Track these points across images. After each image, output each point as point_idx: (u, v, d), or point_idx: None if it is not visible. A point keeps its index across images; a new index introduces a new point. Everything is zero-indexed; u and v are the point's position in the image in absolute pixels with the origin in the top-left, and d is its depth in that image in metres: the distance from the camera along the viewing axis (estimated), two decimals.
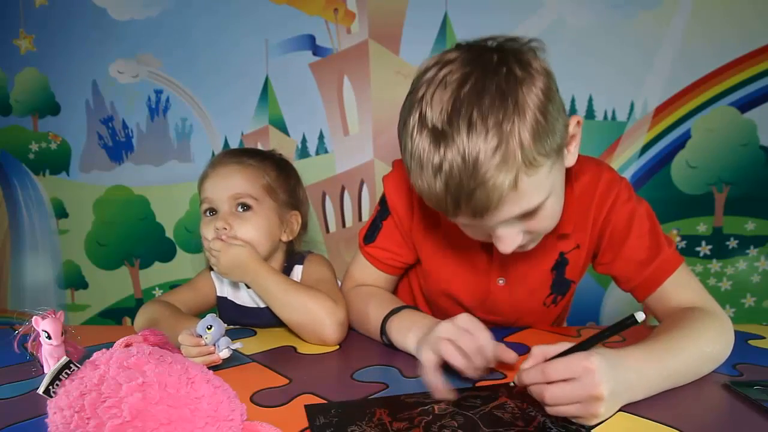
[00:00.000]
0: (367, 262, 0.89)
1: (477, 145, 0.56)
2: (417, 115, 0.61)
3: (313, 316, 0.79)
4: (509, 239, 0.66)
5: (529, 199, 0.61)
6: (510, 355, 0.65)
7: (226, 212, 0.88)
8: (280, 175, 0.95)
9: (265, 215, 0.90)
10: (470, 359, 0.61)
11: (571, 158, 0.69)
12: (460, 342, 0.61)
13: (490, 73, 0.58)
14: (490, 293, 0.84)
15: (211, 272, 0.97)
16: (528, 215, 0.64)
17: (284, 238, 0.95)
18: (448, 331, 0.63)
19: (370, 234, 0.89)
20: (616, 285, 0.81)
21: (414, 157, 0.61)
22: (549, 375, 0.54)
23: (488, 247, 0.78)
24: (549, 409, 0.55)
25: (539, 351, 0.58)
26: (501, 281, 0.83)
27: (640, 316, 0.54)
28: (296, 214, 0.96)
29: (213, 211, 0.90)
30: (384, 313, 0.77)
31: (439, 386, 0.59)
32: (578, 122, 0.68)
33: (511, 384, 0.58)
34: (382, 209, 0.88)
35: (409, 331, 0.73)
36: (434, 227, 0.83)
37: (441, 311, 0.92)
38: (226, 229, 0.87)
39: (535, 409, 0.57)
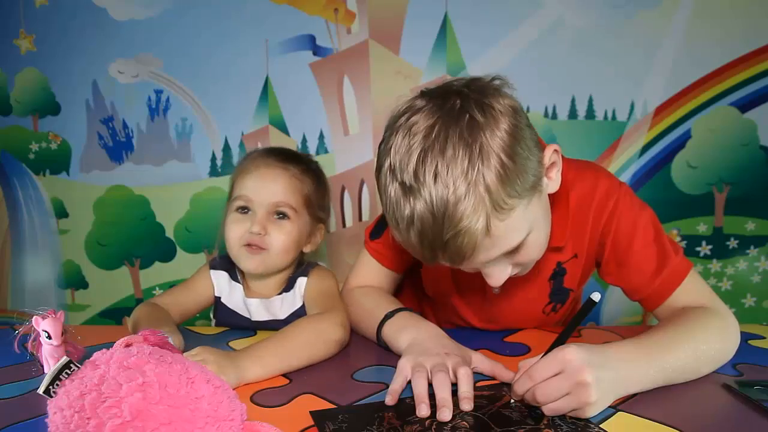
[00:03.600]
0: (372, 259, 0.89)
1: (444, 197, 0.56)
2: (387, 165, 0.61)
3: (324, 347, 0.76)
4: (496, 276, 0.67)
5: (505, 241, 0.61)
6: (505, 375, 0.65)
7: (263, 216, 0.88)
8: (318, 188, 0.95)
9: (299, 226, 0.90)
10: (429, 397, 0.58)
11: (553, 185, 0.69)
12: (436, 388, 0.58)
13: (453, 123, 0.58)
14: (486, 302, 0.84)
15: (211, 271, 0.96)
16: (511, 252, 0.64)
17: (306, 249, 0.95)
18: (436, 365, 0.62)
19: (377, 230, 0.89)
20: (625, 295, 0.80)
21: (388, 210, 0.63)
22: (535, 377, 0.55)
23: None
24: (546, 409, 0.55)
25: (524, 363, 0.59)
26: (496, 290, 0.82)
27: (596, 296, 0.55)
28: (322, 228, 0.96)
29: (246, 209, 0.89)
30: (380, 316, 0.78)
31: (395, 396, 0.59)
32: (555, 150, 0.67)
33: (512, 403, 0.58)
34: None
35: (401, 332, 0.73)
36: None
37: (445, 312, 0.92)
38: (261, 234, 0.86)
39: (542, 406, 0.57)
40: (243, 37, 1.42)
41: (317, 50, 1.42)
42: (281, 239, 0.88)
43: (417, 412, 0.56)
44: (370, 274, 0.90)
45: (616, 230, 0.76)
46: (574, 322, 0.59)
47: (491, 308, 0.85)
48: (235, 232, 0.88)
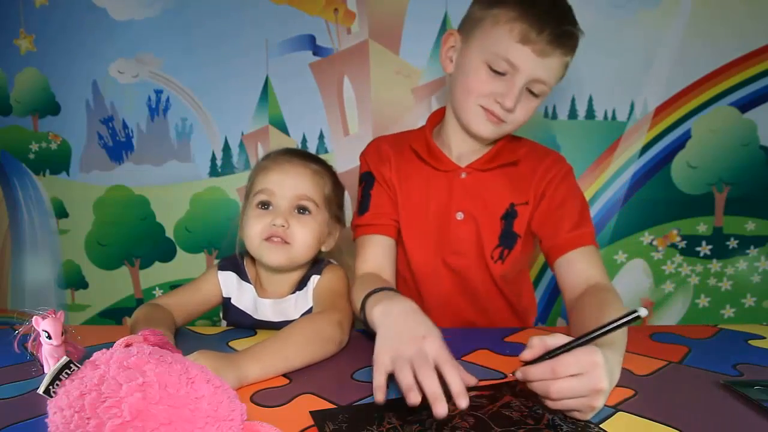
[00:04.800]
0: (366, 237, 0.95)
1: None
2: None
3: (323, 347, 0.76)
4: (516, 97, 0.84)
5: (552, 75, 0.85)
6: (470, 380, 0.62)
7: (285, 210, 0.88)
8: (337, 188, 0.97)
9: (319, 222, 0.91)
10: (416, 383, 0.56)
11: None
12: (423, 382, 0.55)
13: None
14: (451, 228, 0.95)
15: (219, 272, 0.96)
16: (531, 93, 0.86)
17: (324, 248, 0.95)
18: (417, 356, 0.58)
19: (362, 208, 0.98)
20: (540, 247, 0.94)
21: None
22: (558, 372, 0.54)
23: (449, 185, 0.94)
24: (550, 403, 0.55)
25: (539, 342, 0.58)
26: (460, 215, 0.94)
27: (642, 312, 0.54)
28: (338, 228, 0.97)
29: (267, 205, 0.89)
30: (363, 296, 0.76)
31: (383, 390, 0.57)
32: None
33: (513, 374, 0.57)
34: (367, 182, 0.99)
35: (375, 306, 0.70)
36: (411, 173, 0.97)
37: (424, 282, 0.99)
38: (284, 227, 0.86)
39: (542, 406, 0.57)
40: (243, 37, 1.42)
41: (317, 50, 1.42)
42: (303, 233, 0.88)
43: (407, 401, 0.54)
44: (369, 253, 0.95)
45: (556, 188, 0.92)
46: (609, 327, 0.56)
47: (455, 234, 0.95)
48: (257, 226, 0.88)
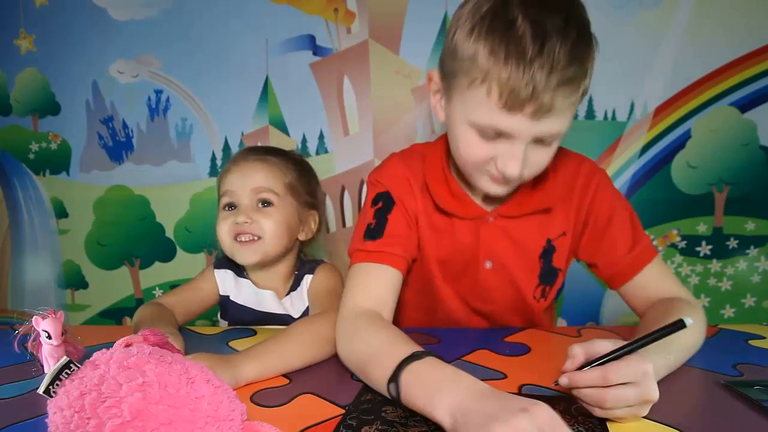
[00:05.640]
0: (372, 264, 0.78)
1: (569, 59, 0.64)
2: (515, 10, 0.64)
3: (322, 348, 0.74)
4: (518, 158, 0.69)
5: (566, 114, 0.68)
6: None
7: (247, 206, 0.89)
8: (302, 174, 0.97)
9: (286, 211, 0.91)
10: None
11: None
12: None
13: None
14: (480, 277, 0.86)
15: (215, 270, 0.97)
16: (541, 143, 0.69)
17: (302, 237, 0.95)
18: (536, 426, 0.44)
19: (375, 232, 0.81)
20: (593, 272, 0.86)
21: (512, 41, 0.62)
22: (610, 379, 0.51)
23: (475, 231, 0.83)
24: (599, 411, 0.53)
25: (580, 351, 0.55)
26: (488, 264, 0.85)
27: (689, 321, 0.53)
28: (314, 214, 0.97)
29: (233, 206, 0.90)
30: (396, 361, 0.57)
31: None
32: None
33: (553, 384, 0.54)
34: (385, 204, 0.83)
35: (434, 396, 0.52)
36: (433, 209, 0.85)
37: (446, 315, 0.91)
38: (247, 222, 0.87)
39: (580, 426, 0.53)
40: (243, 37, 1.42)
41: (317, 50, 1.42)
42: (269, 225, 0.89)
43: None
44: (372, 284, 0.77)
45: (598, 209, 0.83)
46: (655, 335, 0.55)
47: (483, 283, 0.86)
48: (224, 228, 0.90)
